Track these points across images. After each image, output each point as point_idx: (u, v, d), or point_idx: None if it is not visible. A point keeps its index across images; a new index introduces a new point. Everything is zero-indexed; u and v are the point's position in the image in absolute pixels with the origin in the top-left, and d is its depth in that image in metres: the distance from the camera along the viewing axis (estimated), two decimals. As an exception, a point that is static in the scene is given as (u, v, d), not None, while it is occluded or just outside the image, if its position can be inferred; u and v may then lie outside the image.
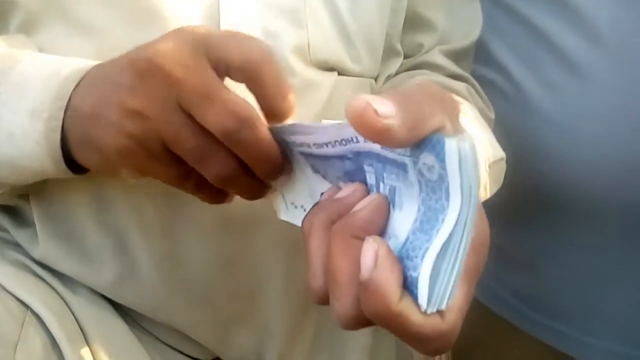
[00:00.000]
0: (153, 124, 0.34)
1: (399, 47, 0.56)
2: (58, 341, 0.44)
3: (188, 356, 0.52)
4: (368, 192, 0.32)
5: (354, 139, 0.30)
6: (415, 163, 0.27)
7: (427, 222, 0.27)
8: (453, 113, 0.29)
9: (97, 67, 0.38)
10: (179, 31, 0.35)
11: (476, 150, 0.25)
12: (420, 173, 0.27)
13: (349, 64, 0.50)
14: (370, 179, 0.31)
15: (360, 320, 0.28)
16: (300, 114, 0.46)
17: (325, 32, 0.49)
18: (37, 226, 0.47)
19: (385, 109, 0.25)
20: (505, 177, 0.54)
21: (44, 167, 0.40)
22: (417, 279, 0.27)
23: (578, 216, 0.65)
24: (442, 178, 0.26)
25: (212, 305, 0.49)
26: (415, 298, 0.27)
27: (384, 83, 0.55)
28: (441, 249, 0.26)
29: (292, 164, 0.37)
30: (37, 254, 0.47)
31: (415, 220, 0.28)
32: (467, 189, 0.25)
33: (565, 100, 0.62)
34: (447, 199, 0.26)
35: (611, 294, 0.67)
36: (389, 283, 0.27)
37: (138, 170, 0.37)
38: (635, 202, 0.60)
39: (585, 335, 0.69)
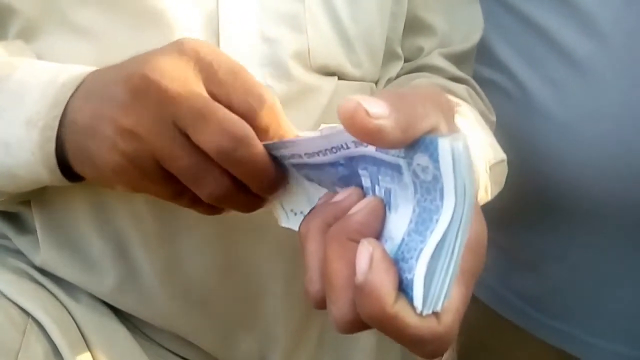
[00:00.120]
0: (146, 143, 0.34)
1: (399, 50, 0.56)
2: (59, 348, 0.44)
3: (190, 362, 0.52)
4: (364, 195, 0.32)
5: (344, 146, 0.30)
6: (409, 164, 0.27)
7: (421, 223, 0.27)
8: (448, 113, 0.28)
9: (94, 74, 0.38)
10: (175, 45, 0.35)
11: (470, 149, 0.25)
12: (414, 174, 0.27)
13: (349, 69, 0.50)
14: (366, 182, 0.31)
15: (357, 323, 0.28)
16: (301, 120, 0.46)
17: (325, 37, 0.48)
18: (38, 233, 0.47)
19: (377, 110, 0.25)
20: (508, 178, 0.54)
21: (40, 177, 0.40)
22: (412, 280, 0.27)
23: (582, 217, 0.65)
24: (436, 178, 0.26)
25: (214, 311, 0.49)
26: (410, 300, 0.27)
27: (385, 87, 0.54)
28: (435, 250, 0.26)
29: (287, 176, 0.37)
30: (38, 261, 0.48)
31: (411, 222, 0.28)
32: (461, 188, 0.25)
33: (568, 100, 0.62)
34: (442, 199, 0.26)
35: (615, 294, 0.67)
36: (384, 286, 0.26)
37: (131, 187, 0.37)
38: (638, 203, 0.60)
39: (590, 336, 0.69)
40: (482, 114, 0.56)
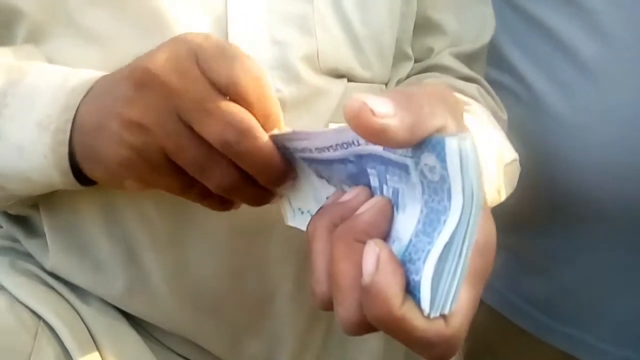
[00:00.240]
0: (153, 135, 0.34)
1: (409, 51, 0.55)
2: (70, 352, 0.44)
3: (199, 365, 0.52)
4: (372, 194, 0.31)
5: (355, 142, 0.29)
6: (416, 164, 0.26)
7: (429, 224, 0.27)
8: (456, 113, 0.28)
9: (102, 79, 0.38)
10: (176, 40, 0.35)
11: (477, 149, 0.25)
12: (422, 174, 0.26)
13: (359, 71, 0.50)
14: (374, 182, 0.31)
15: (364, 325, 0.28)
16: (310, 122, 0.46)
17: (335, 39, 0.48)
18: (47, 237, 0.47)
19: (383, 109, 0.24)
20: (518, 181, 0.53)
21: (52, 180, 0.40)
22: (419, 282, 0.26)
23: (591, 220, 0.64)
24: (444, 179, 0.25)
25: (222, 314, 0.49)
26: (418, 302, 0.26)
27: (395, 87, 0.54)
28: (443, 251, 0.26)
29: (296, 170, 0.37)
30: (48, 264, 0.48)
31: (418, 222, 0.27)
32: (469, 188, 0.25)
33: (577, 102, 0.62)
34: (449, 199, 0.25)
35: (624, 299, 0.66)
36: (391, 287, 0.26)
37: (141, 181, 0.37)
38: None
39: (599, 340, 0.68)
40: (494, 113, 0.55)
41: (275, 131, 0.35)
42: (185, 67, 0.33)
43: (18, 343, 0.43)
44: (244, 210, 0.40)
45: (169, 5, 0.43)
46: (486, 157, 0.45)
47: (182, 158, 0.34)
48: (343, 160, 0.32)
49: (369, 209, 0.29)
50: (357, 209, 0.30)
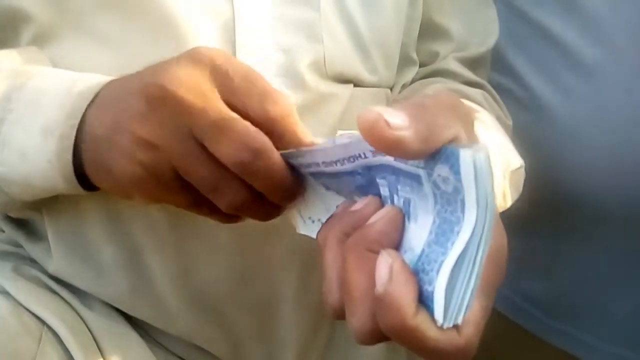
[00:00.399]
0: (164, 153, 0.34)
1: (414, 55, 0.55)
2: (74, 356, 0.44)
3: (202, 369, 0.51)
4: (382, 204, 0.31)
5: (362, 155, 0.30)
6: (429, 175, 0.26)
7: (442, 234, 0.27)
8: (468, 122, 0.28)
9: (110, 84, 0.38)
10: (194, 57, 0.35)
11: (491, 160, 0.25)
12: (435, 185, 0.26)
13: (365, 76, 0.50)
14: (384, 192, 0.31)
15: (376, 334, 0.28)
16: (317, 128, 0.46)
17: (341, 45, 0.48)
18: (50, 241, 0.47)
19: (397, 121, 0.24)
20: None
21: (56, 185, 0.40)
22: (432, 293, 0.26)
23: (592, 222, 0.65)
24: (458, 190, 0.25)
25: (226, 318, 0.49)
26: (431, 312, 0.26)
27: (400, 92, 0.54)
28: (457, 262, 0.26)
29: (305, 185, 0.37)
30: (51, 268, 0.48)
31: (431, 233, 0.27)
32: (483, 200, 0.25)
33: (578, 107, 0.62)
34: (463, 210, 0.26)
35: (624, 299, 0.67)
36: (404, 297, 0.26)
37: (150, 197, 0.36)
38: None
39: (599, 340, 0.69)
40: (499, 119, 0.55)
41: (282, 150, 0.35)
42: (203, 88, 0.33)
43: (22, 348, 0.43)
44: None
45: (178, 11, 0.43)
46: (493, 163, 0.45)
47: (194, 177, 0.34)
48: (352, 173, 0.32)
49: (380, 219, 0.29)
50: (368, 218, 0.30)
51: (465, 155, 0.24)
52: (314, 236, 0.37)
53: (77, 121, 0.37)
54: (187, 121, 0.33)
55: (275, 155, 0.33)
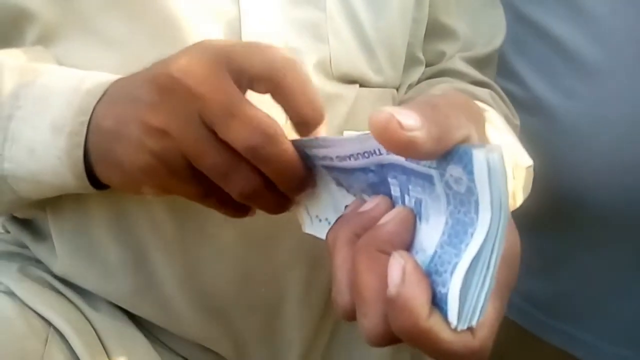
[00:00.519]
0: (175, 141, 0.33)
1: (420, 56, 0.55)
2: (80, 357, 0.44)
3: (206, 369, 0.51)
4: (392, 204, 0.31)
5: (377, 152, 0.29)
6: (442, 175, 0.26)
7: (455, 235, 0.26)
8: (479, 123, 0.28)
9: (118, 82, 0.38)
10: (199, 45, 0.35)
11: (504, 160, 0.24)
12: (447, 185, 0.26)
13: (371, 76, 0.50)
14: (395, 192, 0.31)
15: (389, 336, 0.28)
16: (322, 128, 0.46)
17: (347, 46, 0.48)
18: (54, 241, 0.47)
19: (410, 121, 0.24)
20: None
21: (65, 183, 0.39)
22: (446, 295, 0.26)
23: (593, 223, 0.65)
24: (471, 190, 0.25)
25: (231, 319, 0.49)
26: (444, 314, 0.26)
27: (406, 92, 0.54)
28: (471, 264, 0.25)
29: (316, 178, 0.37)
30: (56, 269, 0.48)
31: (443, 234, 0.27)
32: (497, 201, 0.25)
33: (580, 108, 0.62)
34: (477, 212, 0.25)
35: (624, 299, 0.67)
36: (417, 299, 0.26)
37: (160, 187, 0.36)
38: None
39: (598, 340, 0.69)
40: (507, 118, 0.55)
41: (297, 137, 0.34)
42: (213, 74, 0.33)
43: (28, 349, 0.43)
44: (255, 217, 0.40)
45: (183, 12, 0.43)
46: (505, 162, 0.45)
47: (205, 164, 0.34)
48: (364, 169, 0.31)
49: (391, 219, 0.29)
50: (378, 218, 0.30)
51: (479, 155, 0.24)
52: (320, 236, 0.37)
53: (87, 118, 0.37)
54: (197, 108, 0.33)
55: (286, 141, 0.33)
